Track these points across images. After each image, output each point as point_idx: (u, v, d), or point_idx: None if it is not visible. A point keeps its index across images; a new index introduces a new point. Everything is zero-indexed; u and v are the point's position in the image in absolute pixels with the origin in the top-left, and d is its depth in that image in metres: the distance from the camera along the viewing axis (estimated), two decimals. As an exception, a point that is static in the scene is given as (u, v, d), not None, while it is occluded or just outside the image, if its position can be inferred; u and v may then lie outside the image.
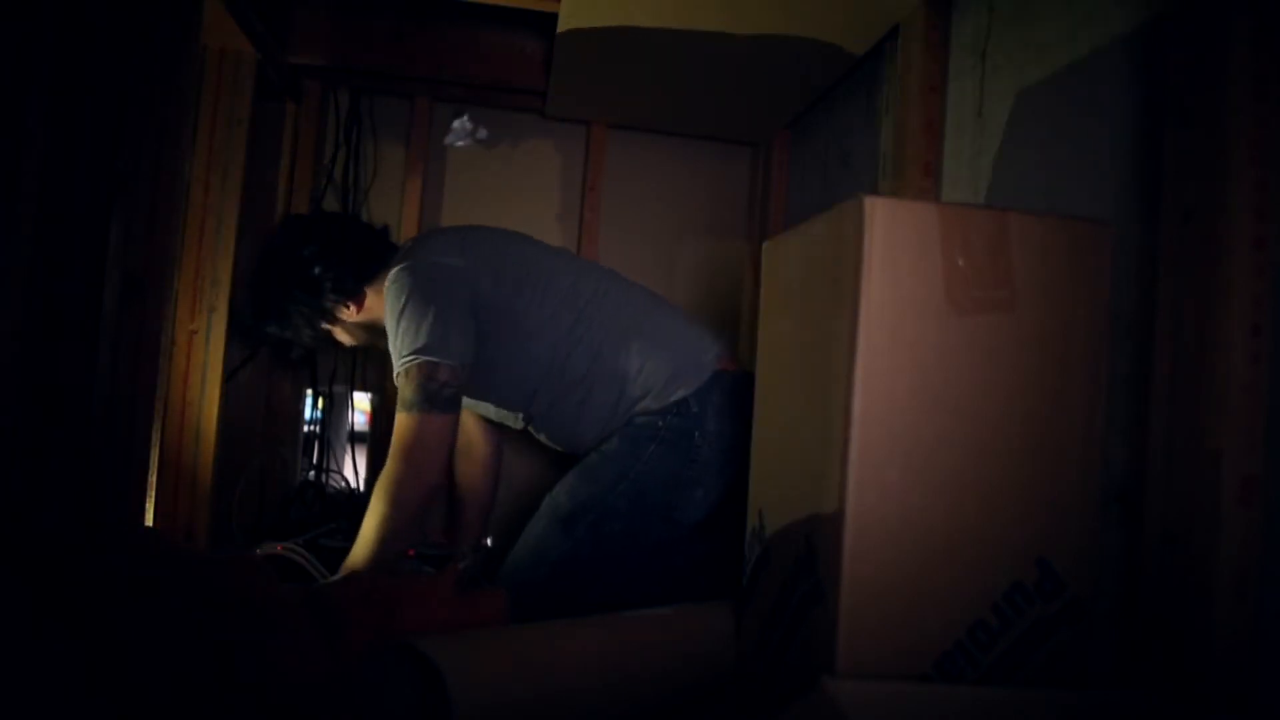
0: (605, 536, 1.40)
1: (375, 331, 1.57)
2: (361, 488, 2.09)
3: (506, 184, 2.17)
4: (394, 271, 1.44)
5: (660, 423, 1.43)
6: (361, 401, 2.15)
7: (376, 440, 2.09)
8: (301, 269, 1.54)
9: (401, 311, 1.39)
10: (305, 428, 2.05)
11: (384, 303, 1.46)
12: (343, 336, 1.65)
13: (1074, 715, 0.77)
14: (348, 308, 1.57)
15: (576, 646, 1.13)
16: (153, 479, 1.41)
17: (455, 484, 1.82)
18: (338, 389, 2.08)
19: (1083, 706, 0.78)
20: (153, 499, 1.42)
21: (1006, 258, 0.88)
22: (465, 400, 1.51)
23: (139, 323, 1.34)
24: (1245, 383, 0.76)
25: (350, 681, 1.04)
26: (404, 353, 1.38)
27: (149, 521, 1.42)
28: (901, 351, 0.85)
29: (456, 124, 2.12)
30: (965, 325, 0.86)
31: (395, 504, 1.36)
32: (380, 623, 1.14)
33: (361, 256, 1.55)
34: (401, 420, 1.37)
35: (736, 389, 1.44)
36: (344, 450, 2.11)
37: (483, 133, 2.15)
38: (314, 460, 2.03)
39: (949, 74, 1.34)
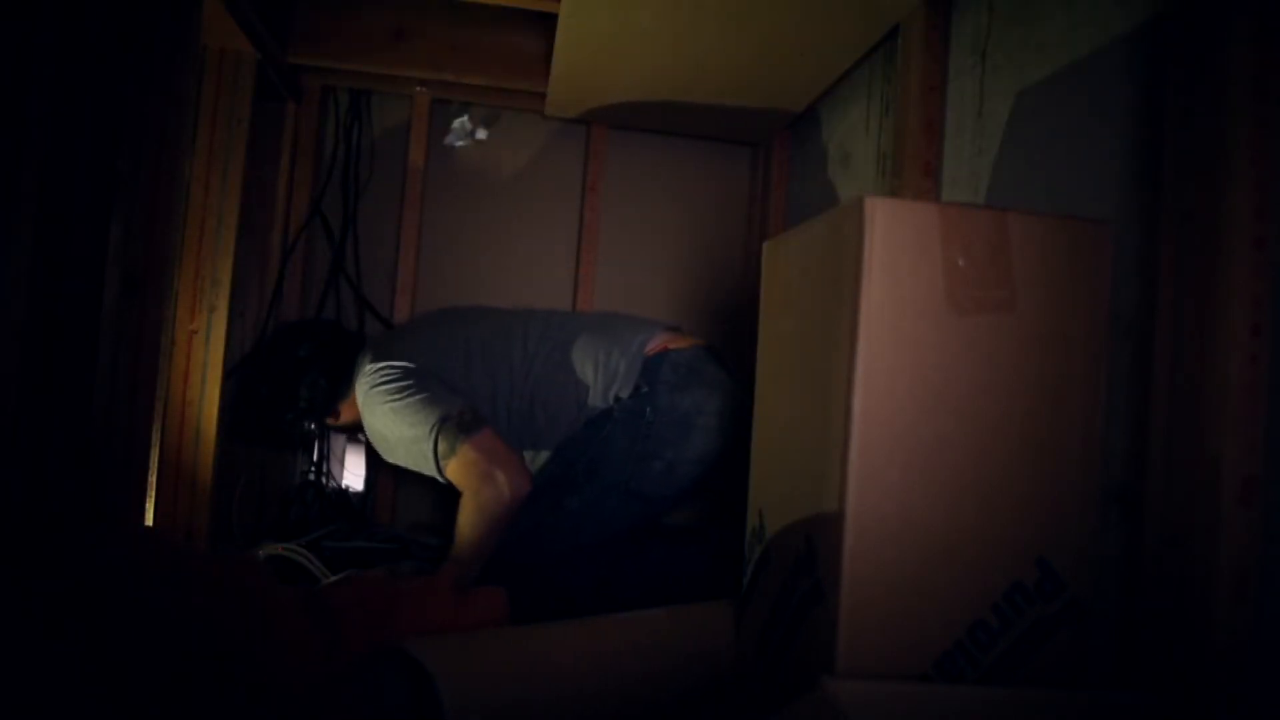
0: (564, 510, 1.53)
1: (350, 427, 1.81)
2: (362, 488, 2.09)
3: (506, 184, 2.17)
4: (361, 398, 1.63)
5: (615, 407, 1.56)
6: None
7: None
8: (296, 398, 1.74)
9: (394, 423, 1.56)
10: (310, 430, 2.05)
11: (357, 409, 1.67)
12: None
13: (1074, 715, 0.77)
14: (330, 419, 1.79)
15: (573, 647, 1.13)
16: (153, 479, 1.41)
17: None
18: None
19: (1083, 706, 0.78)
20: (153, 499, 1.42)
21: (1006, 258, 0.88)
22: None
23: (139, 322, 1.34)
24: (1245, 383, 0.76)
25: (346, 683, 1.04)
26: (422, 440, 1.51)
27: (149, 521, 1.42)
28: (902, 351, 0.85)
29: (456, 124, 2.12)
30: (965, 325, 0.86)
31: (489, 521, 1.47)
32: (378, 624, 1.15)
33: (340, 380, 1.73)
34: (454, 463, 1.49)
35: (686, 364, 1.58)
36: (344, 451, 2.11)
37: (483, 133, 2.15)
38: (314, 460, 2.03)
39: (949, 74, 1.34)
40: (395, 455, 1.61)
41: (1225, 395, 0.76)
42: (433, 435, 1.50)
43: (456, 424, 1.49)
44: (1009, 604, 0.86)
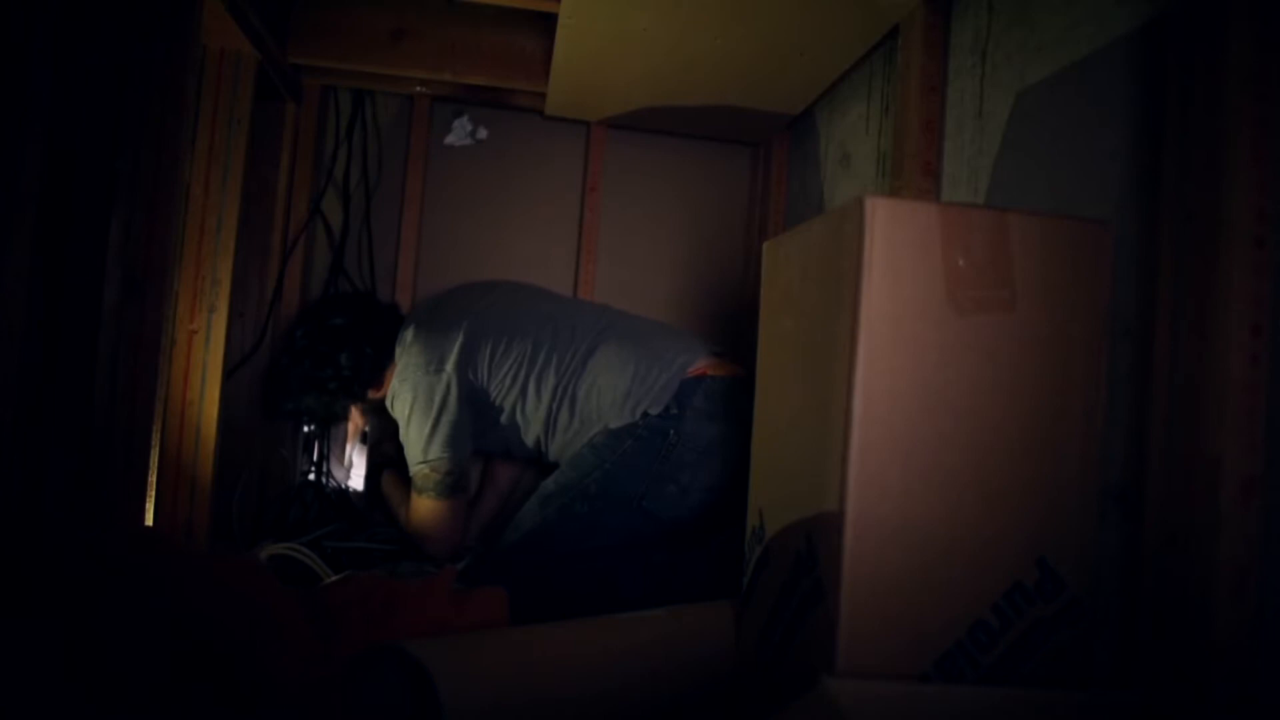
0: (572, 515, 1.55)
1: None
2: (362, 488, 2.09)
3: (506, 184, 2.17)
4: (395, 383, 1.68)
5: (641, 423, 1.56)
6: (361, 401, 2.15)
7: (376, 441, 2.10)
8: (338, 366, 1.75)
9: (409, 420, 1.63)
10: (305, 428, 2.05)
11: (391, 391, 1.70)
12: (356, 418, 1.93)
13: (1074, 715, 0.77)
14: (374, 390, 1.79)
15: (573, 647, 1.13)
16: (153, 479, 1.41)
17: (488, 472, 2.03)
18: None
19: (1083, 706, 0.78)
20: (153, 499, 1.42)
21: (1006, 258, 0.88)
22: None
23: (139, 322, 1.34)
24: (1245, 383, 0.76)
25: (346, 683, 1.04)
26: (417, 460, 1.63)
27: (149, 521, 1.42)
28: (902, 351, 0.85)
29: (456, 124, 2.12)
30: (965, 325, 0.86)
31: (401, 523, 1.72)
32: (377, 624, 1.14)
33: (383, 349, 1.75)
34: (422, 503, 1.63)
35: (721, 393, 1.58)
36: (344, 451, 2.11)
37: (483, 133, 2.15)
38: (314, 460, 2.03)
39: (949, 74, 1.34)
40: (400, 425, 1.67)
41: (1225, 395, 0.76)
42: (422, 463, 1.62)
43: (443, 476, 1.61)
44: (1009, 604, 0.86)
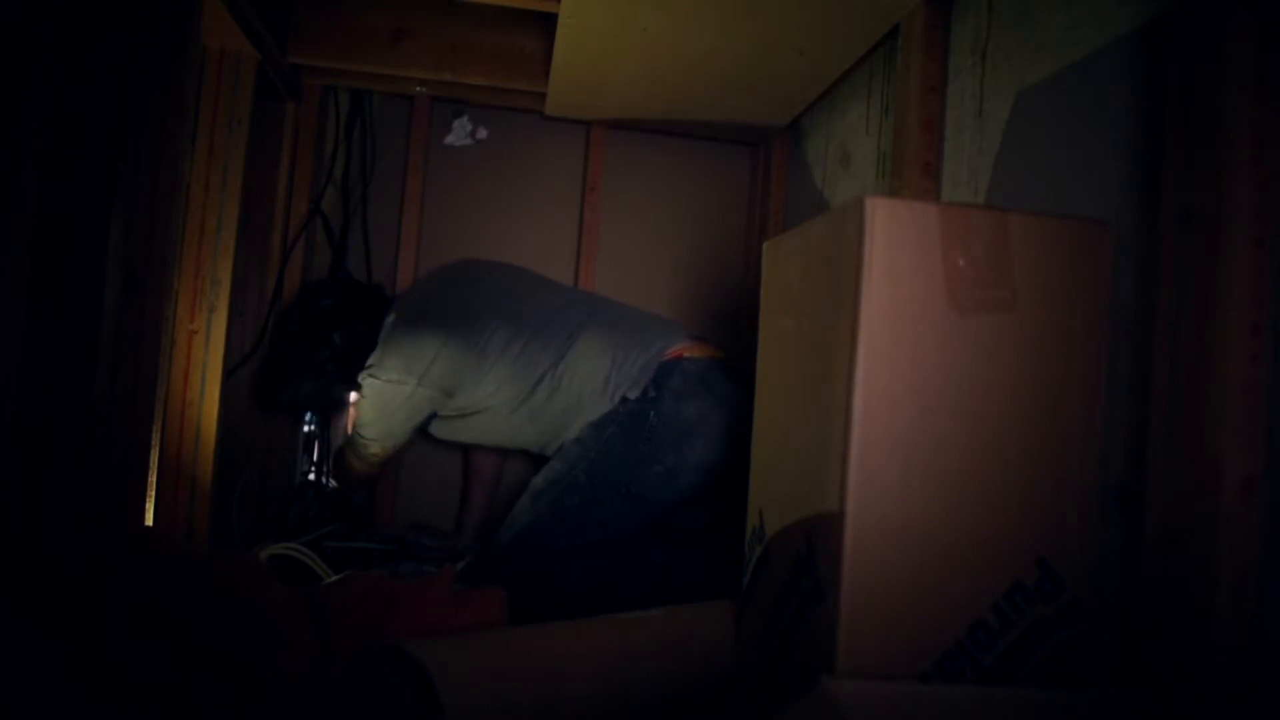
0: (564, 509, 1.56)
1: None
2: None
3: (506, 184, 2.17)
4: (375, 356, 1.70)
5: (620, 408, 1.57)
6: (361, 401, 2.15)
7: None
8: (334, 351, 1.77)
9: (365, 399, 1.72)
10: (305, 428, 2.05)
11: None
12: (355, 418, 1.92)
13: (1074, 715, 0.77)
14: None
15: (573, 647, 1.13)
16: (153, 479, 1.41)
17: (470, 464, 2.03)
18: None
19: (1083, 706, 0.78)
20: (153, 499, 1.42)
21: (1007, 258, 0.88)
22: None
23: (138, 322, 1.34)
24: (1245, 383, 0.76)
25: (346, 683, 1.04)
26: (360, 427, 1.74)
27: (149, 521, 1.42)
28: (902, 351, 0.85)
29: (456, 124, 2.12)
30: (966, 325, 0.86)
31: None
32: (376, 624, 1.14)
33: (375, 326, 1.76)
34: (349, 453, 1.82)
35: (697, 373, 1.59)
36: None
37: (483, 133, 2.15)
38: (314, 460, 2.03)
39: (949, 74, 1.34)
40: (360, 392, 1.74)
41: (1225, 395, 0.76)
42: (362, 432, 1.73)
43: (369, 454, 1.77)
44: (1009, 604, 0.86)
